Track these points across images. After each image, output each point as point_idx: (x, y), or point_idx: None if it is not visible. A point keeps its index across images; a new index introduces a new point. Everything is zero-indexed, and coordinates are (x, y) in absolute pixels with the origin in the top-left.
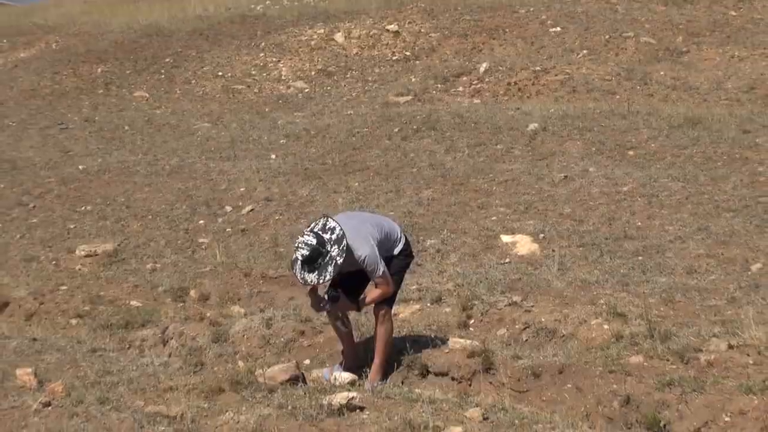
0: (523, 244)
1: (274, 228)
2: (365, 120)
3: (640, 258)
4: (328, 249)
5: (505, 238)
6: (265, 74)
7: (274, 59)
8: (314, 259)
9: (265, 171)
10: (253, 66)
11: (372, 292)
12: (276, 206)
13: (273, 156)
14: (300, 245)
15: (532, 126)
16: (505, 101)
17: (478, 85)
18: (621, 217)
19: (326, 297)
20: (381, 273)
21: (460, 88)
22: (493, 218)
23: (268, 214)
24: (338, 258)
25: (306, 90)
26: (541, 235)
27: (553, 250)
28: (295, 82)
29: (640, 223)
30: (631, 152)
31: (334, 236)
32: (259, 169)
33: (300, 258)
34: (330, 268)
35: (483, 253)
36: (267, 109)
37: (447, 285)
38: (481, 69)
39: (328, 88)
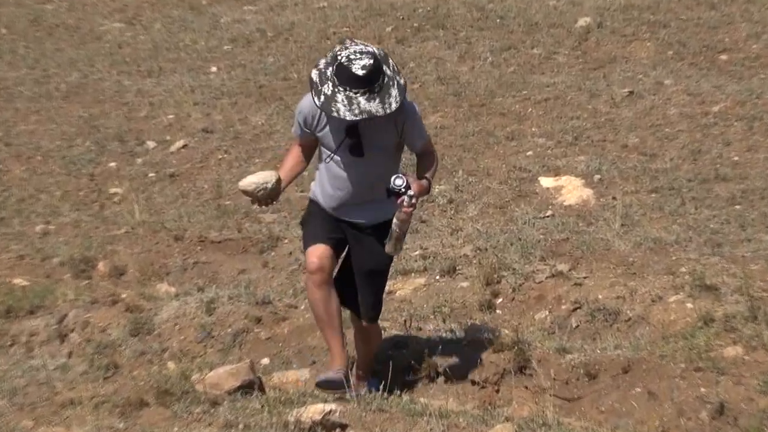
0: (571, 190)
1: (216, 171)
2: (344, 15)
3: (737, 207)
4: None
5: (546, 182)
6: None
7: None
8: (377, 74)
9: (203, 90)
10: None
11: (428, 168)
12: (219, 140)
13: (214, 69)
14: (354, 56)
15: (583, 21)
16: None
17: None
18: (710, 150)
19: (402, 190)
20: (426, 132)
21: None
22: (528, 153)
23: (207, 151)
24: (398, 78)
25: None
26: (597, 177)
27: (614, 198)
28: None
29: (737, 158)
30: (723, 57)
31: (381, 53)
32: (194, 87)
33: (364, 71)
34: (394, 92)
35: (514, 203)
36: (204, 2)
37: (464, 249)
38: None
39: None
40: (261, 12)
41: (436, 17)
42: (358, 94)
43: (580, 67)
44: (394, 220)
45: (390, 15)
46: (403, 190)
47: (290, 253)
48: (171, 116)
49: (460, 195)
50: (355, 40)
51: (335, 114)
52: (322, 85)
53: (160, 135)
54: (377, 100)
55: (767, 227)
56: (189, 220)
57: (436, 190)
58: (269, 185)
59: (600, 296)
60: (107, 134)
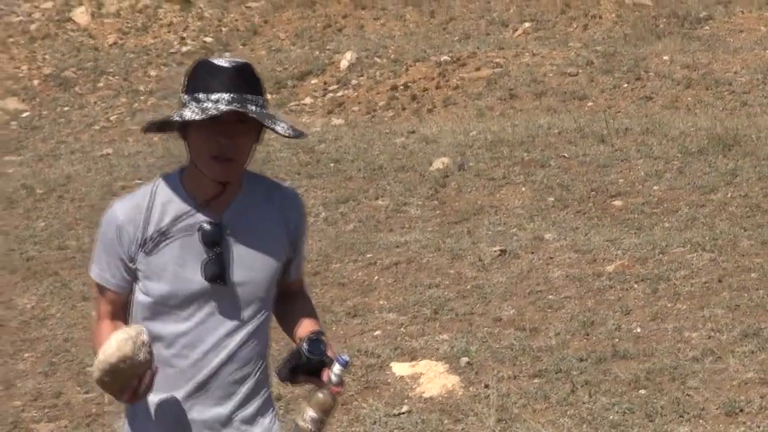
0: (433, 378)
1: None
2: (135, 164)
3: (642, 392)
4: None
5: (400, 369)
6: None
7: None
8: (253, 82)
9: None
10: None
11: (314, 314)
12: None
13: None
14: (219, 56)
15: (440, 163)
16: (390, 119)
17: (340, 93)
18: (605, 321)
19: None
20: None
21: (307, 100)
22: (377, 333)
23: None
24: (284, 120)
25: (24, 114)
26: (464, 360)
27: (487, 386)
28: (4, 100)
29: (639, 329)
30: (617, 202)
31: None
32: None
33: (231, 64)
34: (282, 123)
35: (360, 397)
36: None
37: None
38: (344, 63)
39: (66, 108)
40: (27, 163)
41: (252, 163)
42: (220, 103)
43: (438, 221)
44: (308, 414)
45: None
46: (326, 358)
47: None
48: None
49: (290, 391)
50: None
51: (175, 117)
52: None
53: None
54: (258, 106)
55: (680, 417)
56: None
57: None
58: (144, 337)
59: None
60: None
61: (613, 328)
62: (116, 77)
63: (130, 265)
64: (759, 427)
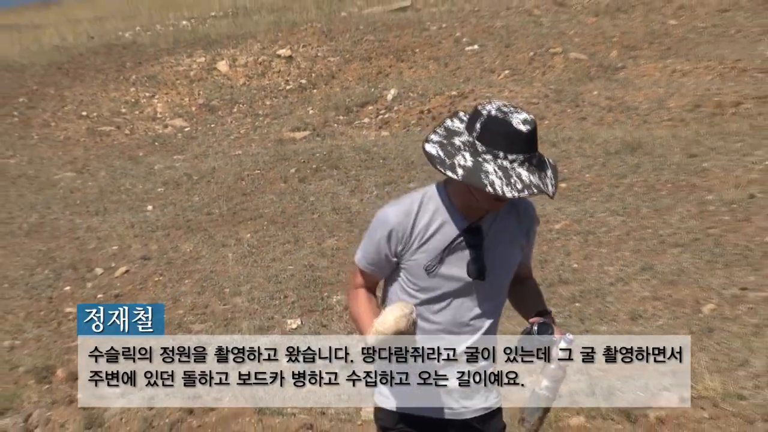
0: None
1: (153, 291)
2: (256, 160)
3: (577, 305)
4: None
5: None
6: (137, 112)
7: (147, 94)
8: (536, 139)
9: (141, 225)
10: (123, 103)
11: (541, 296)
12: (155, 266)
13: (149, 207)
14: (507, 108)
15: None
16: (418, 132)
17: (386, 115)
18: (554, 259)
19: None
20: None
21: (366, 120)
22: None
23: (146, 275)
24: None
25: (186, 129)
26: None
27: None
28: (173, 119)
29: (576, 265)
30: (563, 184)
31: None
32: (133, 223)
33: (527, 127)
34: (549, 173)
35: None
36: (141, 153)
37: None
38: (389, 96)
39: (212, 125)
40: (188, 160)
41: (331, 159)
42: (516, 163)
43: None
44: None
45: (293, 159)
46: (554, 337)
47: None
48: (115, 247)
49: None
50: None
51: (489, 189)
52: (452, 157)
53: (106, 263)
54: (536, 176)
55: (601, 320)
56: None
57: (334, 299)
58: (415, 316)
59: None
60: (62, 264)
61: (559, 264)
62: (244, 105)
63: (394, 260)
64: (652, 327)
